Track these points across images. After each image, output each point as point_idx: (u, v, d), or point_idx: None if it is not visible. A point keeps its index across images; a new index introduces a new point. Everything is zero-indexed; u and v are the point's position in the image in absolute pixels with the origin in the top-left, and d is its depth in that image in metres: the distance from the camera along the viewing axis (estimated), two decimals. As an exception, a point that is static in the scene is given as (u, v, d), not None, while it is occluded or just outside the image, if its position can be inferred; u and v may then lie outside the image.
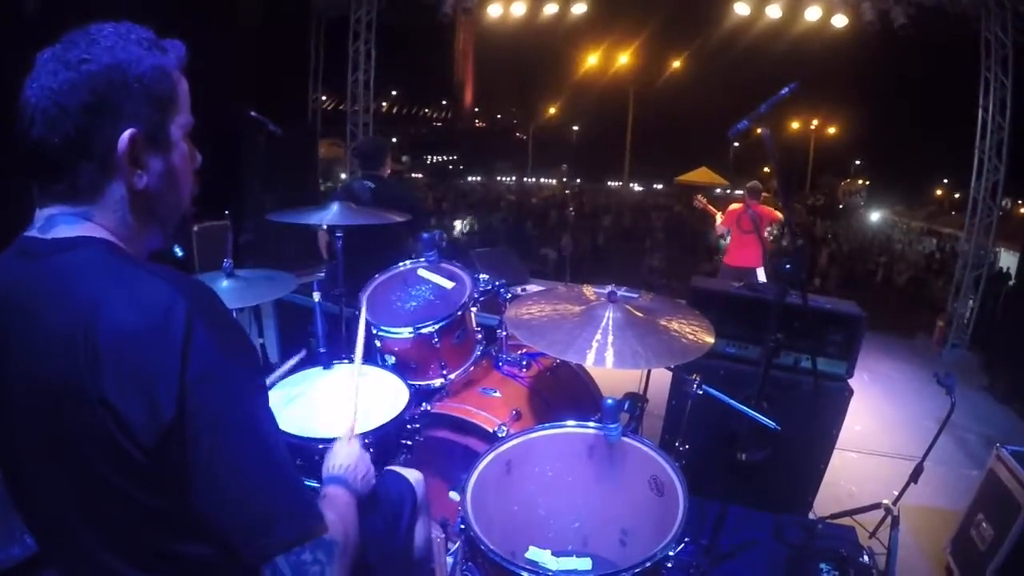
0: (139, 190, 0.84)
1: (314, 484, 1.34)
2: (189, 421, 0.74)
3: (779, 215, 5.59)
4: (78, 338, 0.74)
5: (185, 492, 0.76)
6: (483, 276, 2.40)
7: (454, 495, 1.50)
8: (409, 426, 1.87)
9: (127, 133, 0.80)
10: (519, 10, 7.34)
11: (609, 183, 28.17)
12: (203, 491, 0.76)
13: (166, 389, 0.73)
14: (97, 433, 0.74)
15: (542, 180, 28.52)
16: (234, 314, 2.38)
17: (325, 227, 2.85)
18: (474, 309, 2.31)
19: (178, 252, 2.17)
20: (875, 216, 20.29)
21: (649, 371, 2.19)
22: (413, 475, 1.56)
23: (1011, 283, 7.21)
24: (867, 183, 27.40)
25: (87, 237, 0.82)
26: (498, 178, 29.24)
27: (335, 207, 2.47)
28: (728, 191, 21.81)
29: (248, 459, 0.79)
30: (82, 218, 0.83)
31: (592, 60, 24.42)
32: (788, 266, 1.88)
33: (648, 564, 1.28)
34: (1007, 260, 9.35)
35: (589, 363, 1.66)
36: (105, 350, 0.73)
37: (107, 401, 0.73)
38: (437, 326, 2.13)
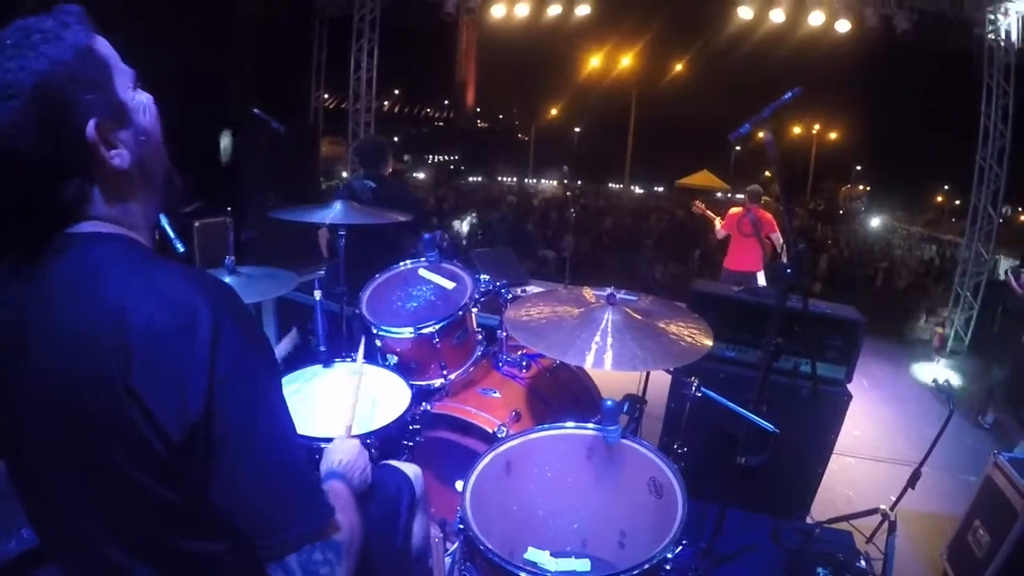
0: (125, 169, 0.83)
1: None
2: (216, 417, 0.75)
3: (777, 230, 5.59)
4: (105, 332, 0.74)
5: (204, 487, 0.77)
6: (484, 276, 2.40)
7: (459, 484, 1.50)
8: (411, 426, 1.88)
9: (91, 125, 0.78)
10: (522, 10, 7.34)
11: (610, 185, 28.19)
12: (224, 486, 0.77)
13: (196, 385, 0.74)
14: (120, 423, 0.75)
15: (543, 181, 28.55)
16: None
17: (327, 225, 2.86)
18: (475, 309, 2.32)
19: (180, 248, 2.17)
20: (875, 222, 20.30)
21: (648, 373, 2.19)
22: (411, 469, 1.56)
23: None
24: (868, 189, 27.43)
25: (104, 233, 0.83)
26: (499, 178, 29.27)
27: (337, 206, 2.47)
28: (729, 195, 21.83)
29: (271, 456, 0.80)
30: (88, 217, 0.83)
31: (595, 62, 24.46)
32: (788, 270, 1.88)
33: (646, 566, 1.28)
34: (1007, 268, 9.35)
35: (588, 365, 1.66)
36: (135, 345, 0.74)
37: (135, 392, 0.74)
38: (438, 326, 2.13)
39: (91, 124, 0.78)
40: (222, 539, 0.81)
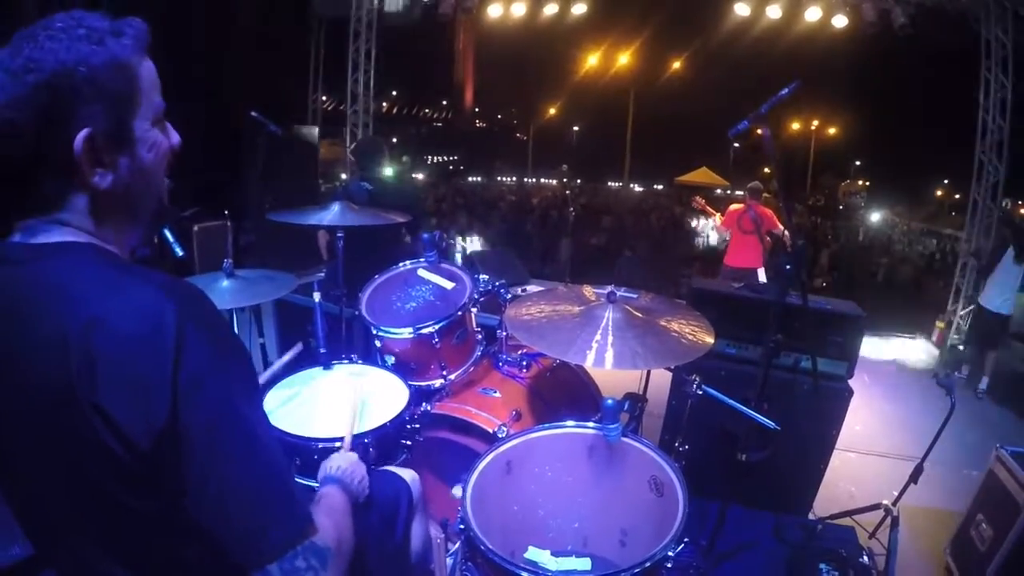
0: (105, 191, 0.81)
1: (312, 484, 1.34)
2: (183, 426, 0.74)
3: (779, 225, 5.58)
4: (70, 345, 0.73)
5: (179, 497, 0.76)
6: (483, 276, 2.40)
7: (456, 491, 1.50)
8: (409, 426, 1.88)
9: (81, 135, 0.77)
10: (519, 10, 7.35)
11: (609, 183, 28.19)
12: (197, 496, 0.76)
13: (159, 395, 0.73)
14: (89, 439, 0.74)
15: (542, 180, 28.54)
16: (234, 314, 2.40)
17: (325, 227, 2.85)
18: (474, 309, 2.31)
19: (179, 252, 2.16)
20: (875, 217, 20.28)
21: (649, 371, 2.19)
22: (408, 474, 1.56)
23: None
24: (867, 184, 27.41)
25: (72, 242, 0.81)
26: (498, 178, 29.27)
27: (336, 207, 2.47)
28: (728, 192, 21.82)
29: (241, 463, 0.78)
30: (59, 224, 0.81)
31: (592, 60, 24.46)
32: (788, 267, 1.88)
33: (648, 564, 1.28)
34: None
35: (589, 364, 1.66)
36: (98, 357, 0.72)
37: (100, 407, 0.72)
38: (437, 326, 2.13)
39: (83, 132, 0.77)
40: (208, 547, 0.79)
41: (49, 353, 0.74)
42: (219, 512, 0.76)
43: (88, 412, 0.73)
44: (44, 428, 0.77)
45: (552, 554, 1.61)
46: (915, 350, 6.09)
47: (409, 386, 1.97)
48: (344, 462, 1.29)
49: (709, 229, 12.00)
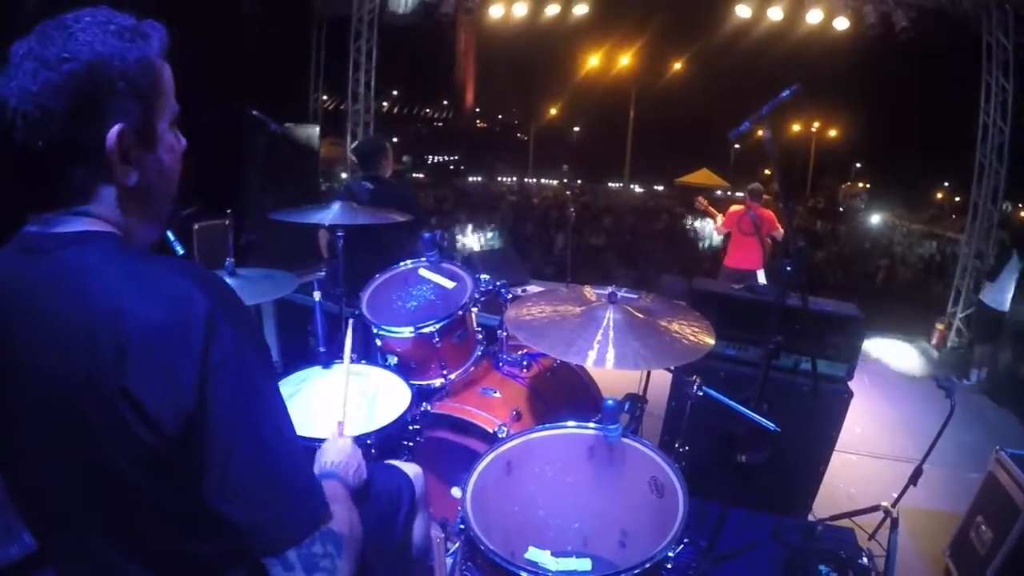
0: (131, 187, 0.83)
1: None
2: (209, 408, 0.75)
3: (780, 227, 5.58)
4: (98, 333, 0.74)
5: (199, 481, 0.76)
6: (484, 276, 2.40)
7: (456, 491, 1.50)
8: (411, 427, 1.87)
9: (115, 130, 0.78)
10: (520, 10, 7.34)
11: (610, 184, 28.21)
12: (218, 479, 0.76)
13: (188, 376, 0.74)
14: (115, 424, 0.74)
15: (542, 180, 28.55)
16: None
17: (326, 226, 2.85)
18: (475, 309, 2.31)
19: (179, 250, 2.15)
20: (875, 219, 20.29)
21: (649, 372, 2.19)
22: (411, 469, 1.55)
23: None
24: (867, 186, 27.42)
25: (95, 231, 0.82)
26: (499, 178, 29.27)
27: (336, 206, 2.47)
28: (729, 193, 21.84)
29: (263, 447, 0.79)
30: (82, 215, 0.82)
31: (593, 61, 24.46)
32: (788, 268, 1.88)
33: (648, 565, 1.27)
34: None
35: (589, 364, 1.66)
36: (130, 344, 0.73)
37: (129, 392, 0.73)
38: (438, 326, 2.13)
39: (117, 127, 0.79)
40: (220, 539, 0.80)
41: (72, 341, 0.75)
42: (239, 496, 0.77)
43: (115, 398, 0.73)
44: (61, 415, 0.77)
45: (552, 554, 1.61)
46: (915, 352, 6.08)
47: (411, 387, 1.97)
48: (336, 455, 1.25)
49: (710, 230, 12.04)
